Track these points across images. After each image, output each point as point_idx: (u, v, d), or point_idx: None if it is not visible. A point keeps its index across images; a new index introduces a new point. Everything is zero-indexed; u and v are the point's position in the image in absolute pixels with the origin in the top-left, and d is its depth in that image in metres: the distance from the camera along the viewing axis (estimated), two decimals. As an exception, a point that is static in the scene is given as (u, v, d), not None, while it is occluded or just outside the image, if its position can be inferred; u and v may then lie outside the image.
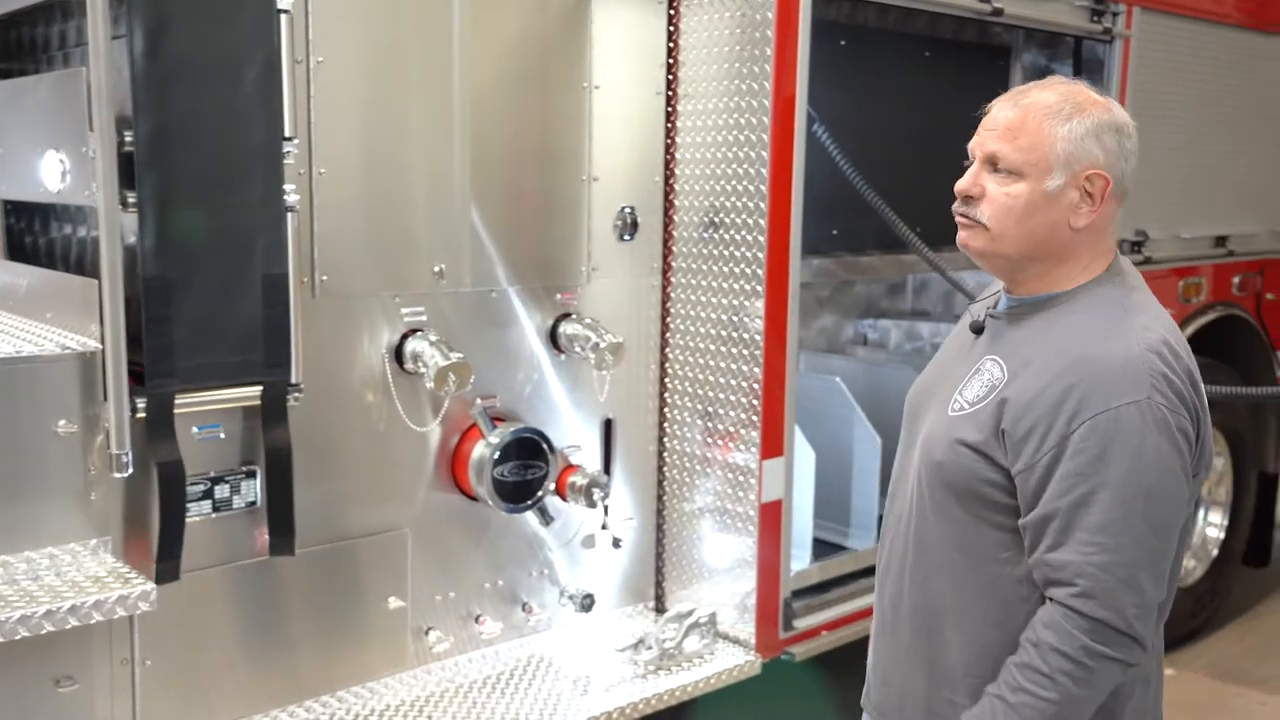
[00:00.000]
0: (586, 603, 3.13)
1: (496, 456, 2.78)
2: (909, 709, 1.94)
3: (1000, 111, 1.80)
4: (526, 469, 2.85)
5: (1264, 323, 4.97)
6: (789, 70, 2.98)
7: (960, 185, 1.83)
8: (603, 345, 2.93)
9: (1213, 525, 5.07)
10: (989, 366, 1.82)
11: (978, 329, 1.90)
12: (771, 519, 3.16)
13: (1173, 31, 4.22)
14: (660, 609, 3.34)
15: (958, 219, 1.85)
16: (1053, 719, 1.70)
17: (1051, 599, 1.72)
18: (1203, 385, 1.78)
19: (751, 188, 3.04)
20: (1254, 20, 4.66)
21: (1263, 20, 4.71)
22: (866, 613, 3.47)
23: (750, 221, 3.06)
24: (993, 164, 1.79)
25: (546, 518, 2.93)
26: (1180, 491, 1.72)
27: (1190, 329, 4.54)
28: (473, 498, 2.86)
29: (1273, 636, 5.06)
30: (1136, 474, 1.67)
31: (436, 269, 2.76)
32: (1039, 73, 4.34)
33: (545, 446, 2.87)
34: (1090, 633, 1.68)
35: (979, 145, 1.82)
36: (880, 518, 3.65)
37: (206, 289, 2.32)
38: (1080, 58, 4.09)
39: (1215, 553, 5.03)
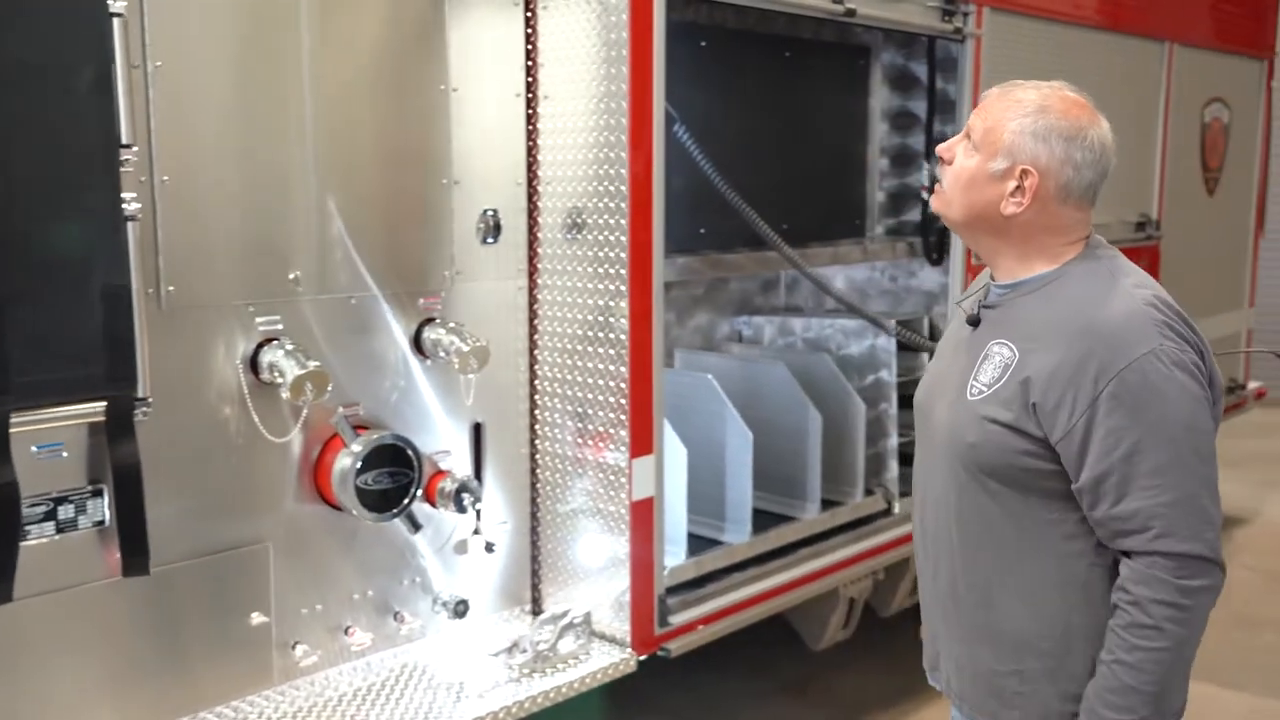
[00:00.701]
0: (460, 609, 3.11)
1: (359, 465, 2.74)
2: (978, 685, 2.05)
3: (988, 95, 1.99)
4: (391, 477, 2.81)
5: (1119, 309, 5.19)
6: (645, 71, 3.01)
7: (940, 146, 2.04)
8: (466, 349, 2.91)
9: (1078, 505, 5.27)
10: (997, 349, 1.95)
11: (974, 321, 2.03)
12: (643, 517, 3.18)
13: (1024, 31, 4.38)
14: (537, 612, 3.33)
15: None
16: (1172, 664, 1.83)
17: (1129, 552, 1.84)
18: (1198, 325, 1.94)
19: (612, 188, 3.06)
20: (1108, 21, 4.87)
21: (1117, 21, 4.92)
22: (743, 605, 3.54)
23: (613, 222, 3.08)
24: (969, 136, 1.98)
25: (414, 525, 2.90)
26: (1208, 420, 1.86)
27: (1049, 317, 4.72)
28: (337, 508, 2.82)
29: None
30: (1171, 414, 1.81)
31: (292, 276, 2.71)
32: (898, 71, 4.47)
33: (410, 453, 2.84)
34: (1179, 570, 1.80)
35: (968, 123, 2.01)
36: (755, 511, 3.78)
37: (40, 303, 2.23)
38: (934, 57, 4.22)
39: (1081, 532, 5.23)
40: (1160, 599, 1.81)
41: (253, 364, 2.65)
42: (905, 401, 4.33)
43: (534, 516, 3.35)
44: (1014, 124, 1.91)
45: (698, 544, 3.67)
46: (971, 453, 1.93)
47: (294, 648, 2.80)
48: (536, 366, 3.30)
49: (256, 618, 2.72)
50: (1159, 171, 5.36)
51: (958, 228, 2.05)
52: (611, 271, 3.10)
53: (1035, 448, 1.87)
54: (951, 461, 1.98)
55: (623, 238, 3.06)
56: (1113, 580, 1.88)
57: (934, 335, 4.35)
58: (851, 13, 3.57)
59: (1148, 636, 1.82)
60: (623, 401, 3.12)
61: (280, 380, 2.61)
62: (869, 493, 4.20)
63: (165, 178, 2.47)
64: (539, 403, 3.31)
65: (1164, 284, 5.78)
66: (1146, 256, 5.36)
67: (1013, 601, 1.96)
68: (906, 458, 4.35)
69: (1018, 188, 1.91)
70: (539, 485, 3.34)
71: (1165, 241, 5.46)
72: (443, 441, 3.10)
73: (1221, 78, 5.83)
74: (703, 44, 3.70)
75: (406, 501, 2.85)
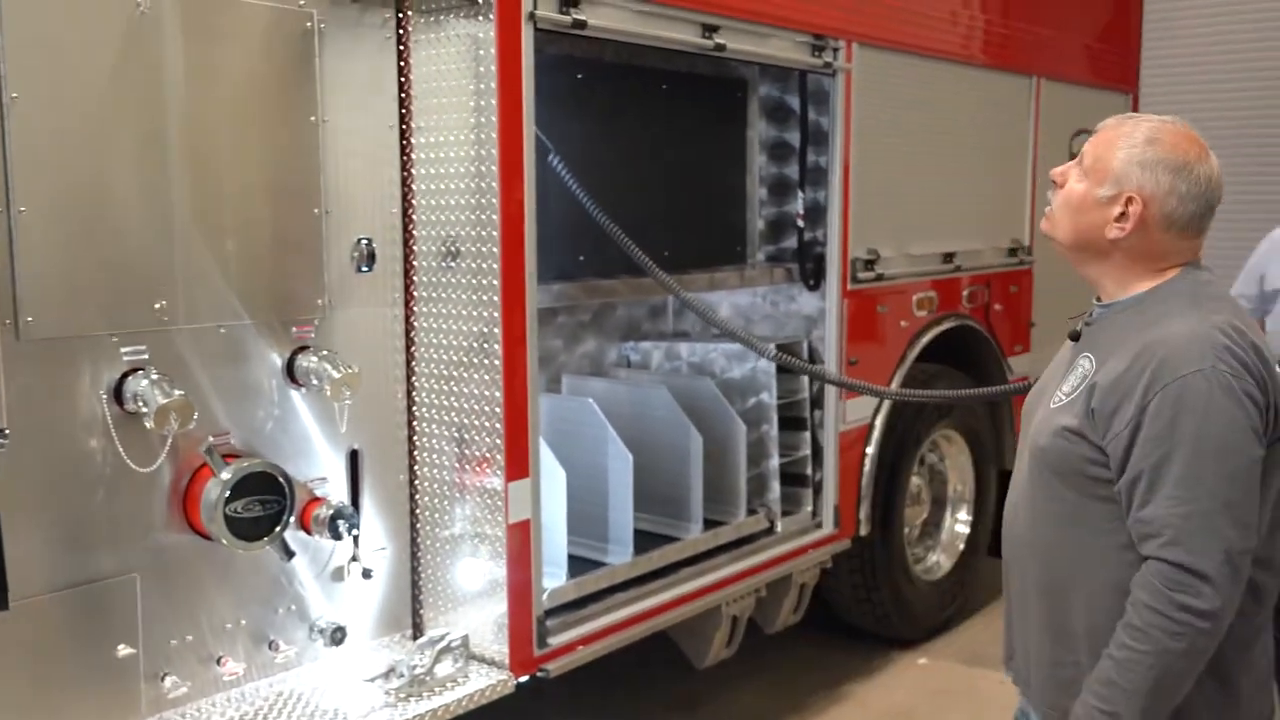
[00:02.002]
0: (337, 636, 3.11)
1: (228, 494, 2.75)
2: (1043, 675, 2.17)
3: (1104, 126, 2.13)
4: (262, 504, 2.82)
5: (994, 332, 5.41)
6: (514, 104, 3.08)
7: (1053, 171, 2.16)
8: (337, 377, 2.94)
9: (959, 521, 5.46)
10: (1081, 362, 2.10)
11: (1075, 336, 2.19)
12: (520, 539, 3.23)
13: (894, 65, 4.57)
14: (419, 636, 3.35)
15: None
16: (1150, 670, 1.91)
17: (1145, 556, 1.95)
18: (1275, 363, 2.02)
19: (485, 218, 3.12)
20: (976, 56, 5.09)
21: (985, 57, 5.15)
22: (623, 625, 3.61)
23: (486, 250, 3.14)
24: (1080, 163, 2.11)
25: (287, 553, 2.91)
26: (1250, 448, 1.93)
27: (925, 339, 4.90)
28: (207, 537, 2.82)
29: (1016, 620, 5.47)
30: (1206, 432, 1.90)
31: (157, 306, 2.71)
32: (775, 103, 4.62)
33: (281, 480, 2.85)
34: (1175, 581, 1.89)
35: (1082, 152, 2.13)
36: (639, 532, 3.86)
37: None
38: (806, 90, 4.37)
39: (962, 547, 5.42)
40: (1151, 605, 1.91)
41: (117, 394, 2.65)
42: (786, 423, 4.46)
43: (414, 541, 3.38)
44: (1123, 153, 2.04)
45: (580, 565, 3.73)
46: (1043, 456, 2.10)
47: (163, 679, 2.78)
48: (415, 393, 3.34)
49: (123, 649, 2.70)
50: (1029, 200, 5.59)
51: (1064, 250, 2.17)
52: (486, 299, 3.16)
53: (1095, 454, 2.01)
54: (1033, 465, 2.14)
55: (495, 265, 3.12)
56: None
57: (813, 358, 4.48)
58: (721, 48, 3.70)
59: (1135, 638, 1.93)
60: (498, 426, 3.17)
61: (144, 410, 2.61)
62: (752, 512, 4.30)
63: (23, 208, 2.46)
64: (418, 428, 3.35)
65: (1038, 307, 6.00)
66: (1020, 281, 5.60)
67: (1077, 599, 2.08)
68: (789, 477, 4.48)
69: (1122, 214, 2.04)
70: (419, 510, 3.37)
71: (1038, 266, 5.70)
72: (320, 469, 3.11)
73: (1088, 110, 6.09)
74: (579, 77, 3.79)
75: (278, 530, 2.86)
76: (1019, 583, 2.25)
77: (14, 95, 2.43)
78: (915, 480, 5.13)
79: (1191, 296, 2.05)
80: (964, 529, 5.45)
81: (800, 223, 4.46)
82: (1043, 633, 2.17)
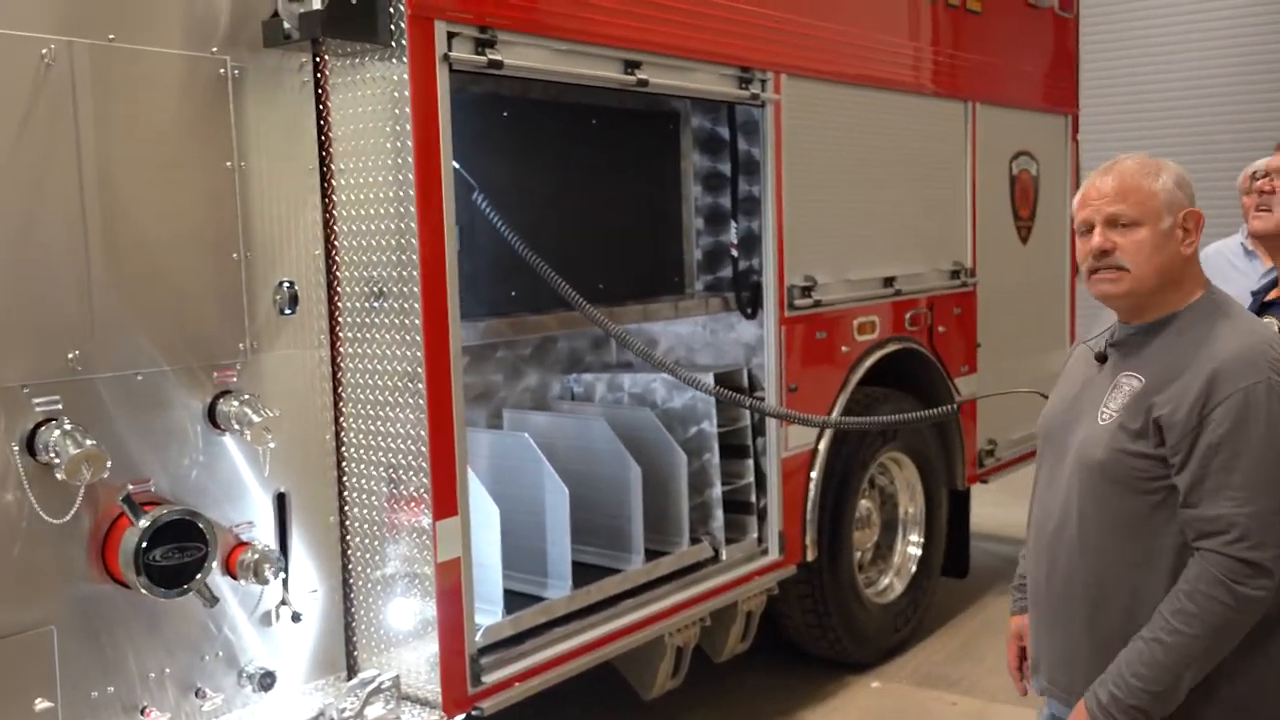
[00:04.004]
0: (266, 681, 3.09)
1: (146, 542, 2.74)
2: (1084, 678, 2.28)
3: (1102, 184, 2.30)
4: (182, 551, 2.81)
5: (939, 353, 5.45)
6: (431, 145, 3.11)
7: (1095, 244, 2.29)
8: (257, 421, 2.94)
9: (911, 543, 5.48)
10: (1125, 381, 2.27)
11: (1102, 358, 2.37)
12: (450, 577, 3.22)
13: (825, 95, 4.62)
14: (353, 678, 3.34)
15: (1096, 275, 2.30)
16: (1203, 653, 2.12)
17: (1201, 549, 2.13)
18: None
19: (406, 258, 3.14)
20: (907, 84, 5.16)
21: (917, 84, 5.22)
22: (563, 659, 3.60)
23: (408, 290, 3.15)
24: (1113, 222, 2.27)
25: (208, 599, 2.90)
26: None
27: (869, 362, 4.94)
28: (127, 586, 2.80)
29: (970, 640, 5.50)
30: (1267, 438, 2.12)
31: (70, 356, 2.71)
32: (707, 134, 4.67)
33: (200, 527, 2.85)
34: (1241, 574, 2.09)
35: (1096, 212, 2.29)
36: (580, 565, 3.86)
37: None
38: (734, 121, 4.42)
39: (914, 569, 5.44)
40: (1212, 594, 2.10)
41: (29, 445, 2.64)
42: (729, 451, 4.47)
43: (346, 583, 3.37)
44: (1157, 185, 2.26)
45: (519, 601, 3.72)
46: (1100, 469, 2.25)
47: (84, 732, 2.76)
48: (344, 434, 3.34)
49: (40, 703, 2.68)
50: (970, 222, 5.66)
51: (1145, 294, 2.28)
52: (410, 338, 3.17)
53: (1154, 466, 2.19)
54: (1082, 477, 2.29)
55: (417, 305, 3.13)
56: None
57: (753, 386, 4.51)
58: (645, 83, 3.74)
59: (1189, 623, 2.11)
60: (424, 465, 3.18)
61: (57, 461, 2.61)
62: (696, 541, 4.31)
63: (-72, 262, 2.46)
64: (348, 469, 3.35)
65: (984, 328, 6.04)
66: (964, 303, 5.65)
67: (1127, 601, 2.24)
68: (733, 505, 4.49)
69: (1186, 231, 2.27)
70: (351, 551, 3.37)
71: (981, 287, 5.76)
72: (246, 513, 3.10)
73: (1027, 132, 6.21)
74: (505, 114, 3.83)
75: (199, 576, 2.85)
76: (1050, 588, 2.38)
77: (-85, 150, 2.44)
78: (865, 504, 5.15)
79: (1225, 314, 2.27)
80: (916, 550, 5.47)
81: (734, 252, 4.50)
82: (1089, 637, 2.30)
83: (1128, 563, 2.24)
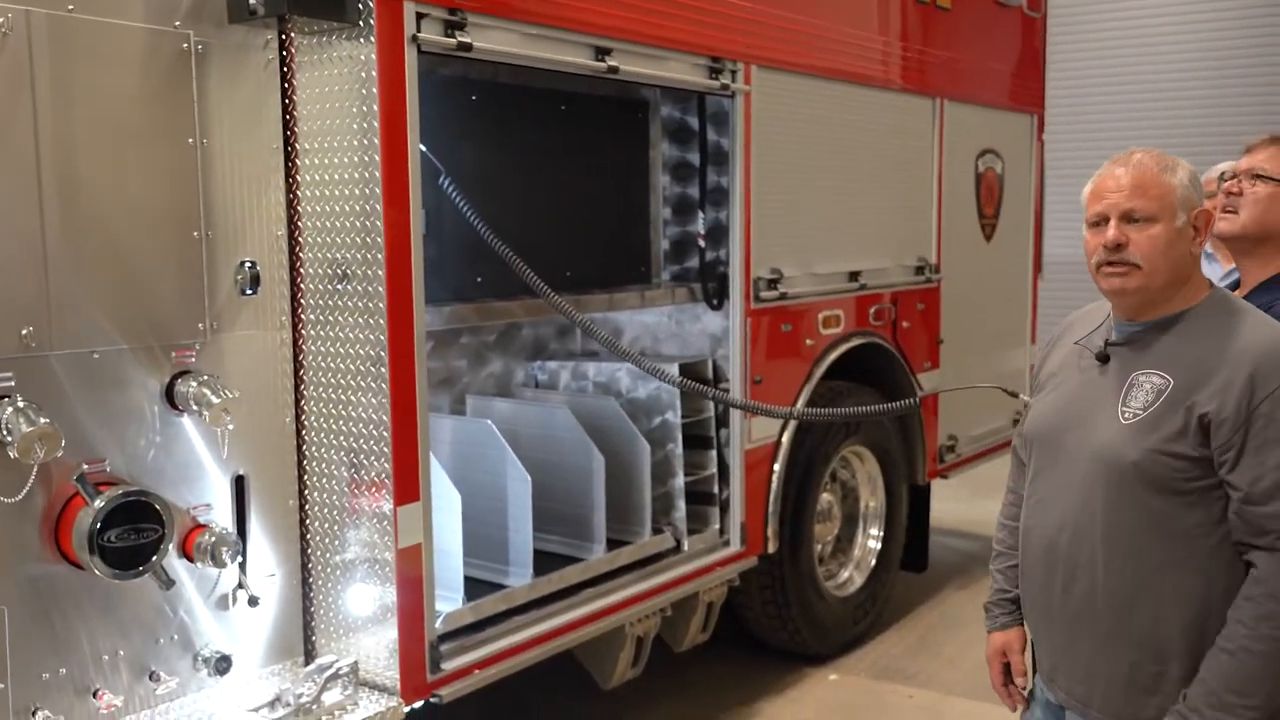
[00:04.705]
0: (222, 665, 3.06)
1: (100, 523, 2.69)
2: (1112, 690, 2.24)
3: (1120, 177, 2.24)
4: (138, 533, 2.77)
5: (902, 348, 5.49)
6: (398, 126, 3.08)
7: (1109, 238, 2.23)
8: (216, 402, 2.90)
9: (871, 537, 5.51)
10: (1145, 379, 2.21)
11: (1104, 358, 2.30)
12: (411, 564, 3.20)
13: (793, 86, 4.63)
14: (311, 664, 3.31)
15: (1107, 270, 2.24)
16: None
17: (1260, 548, 2.08)
18: None
19: (370, 240, 3.11)
20: (876, 78, 5.18)
21: (885, 79, 5.24)
22: (522, 648, 3.59)
23: (372, 273, 3.12)
24: (1128, 217, 2.22)
25: (164, 581, 2.86)
26: None
27: (833, 355, 4.96)
28: (81, 567, 2.76)
29: (927, 634, 5.55)
30: None
31: (25, 332, 2.66)
32: (677, 124, 4.66)
33: (157, 508, 2.80)
34: None
35: (1112, 207, 2.23)
36: (541, 553, 3.85)
37: None
38: (704, 111, 4.42)
39: (874, 562, 5.47)
40: None
41: (-19, 422, 2.59)
42: (692, 441, 4.48)
43: (305, 567, 3.33)
44: (1174, 181, 2.22)
45: (480, 588, 3.71)
46: (1134, 470, 2.17)
47: (34, 714, 2.71)
48: (304, 417, 3.30)
49: (-11, 684, 2.63)
50: (935, 218, 5.70)
51: (1156, 291, 2.23)
52: (373, 322, 3.14)
53: (1192, 466, 2.13)
54: (1104, 481, 2.21)
55: (381, 289, 3.10)
56: None
57: (718, 377, 4.52)
58: (615, 70, 3.72)
59: (1275, 628, 2.04)
60: (386, 450, 3.15)
61: (9, 439, 2.56)
62: (658, 531, 4.31)
63: (-121, 234, 2.41)
64: (308, 453, 3.31)
65: (946, 323, 6.09)
66: (927, 298, 5.69)
67: (1157, 606, 2.18)
68: (695, 496, 4.50)
69: (1196, 230, 2.24)
70: (310, 535, 3.33)
71: (945, 283, 5.80)
72: (204, 495, 3.06)
73: (993, 131, 6.26)
74: (474, 98, 3.80)
75: (154, 559, 2.81)
76: (1067, 598, 2.30)
77: None
78: (826, 497, 5.18)
79: (1240, 309, 2.25)
80: (875, 544, 5.51)
81: (702, 242, 4.50)
82: (1113, 643, 2.24)
83: (1157, 567, 2.17)
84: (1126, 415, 2.21)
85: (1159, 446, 2.15)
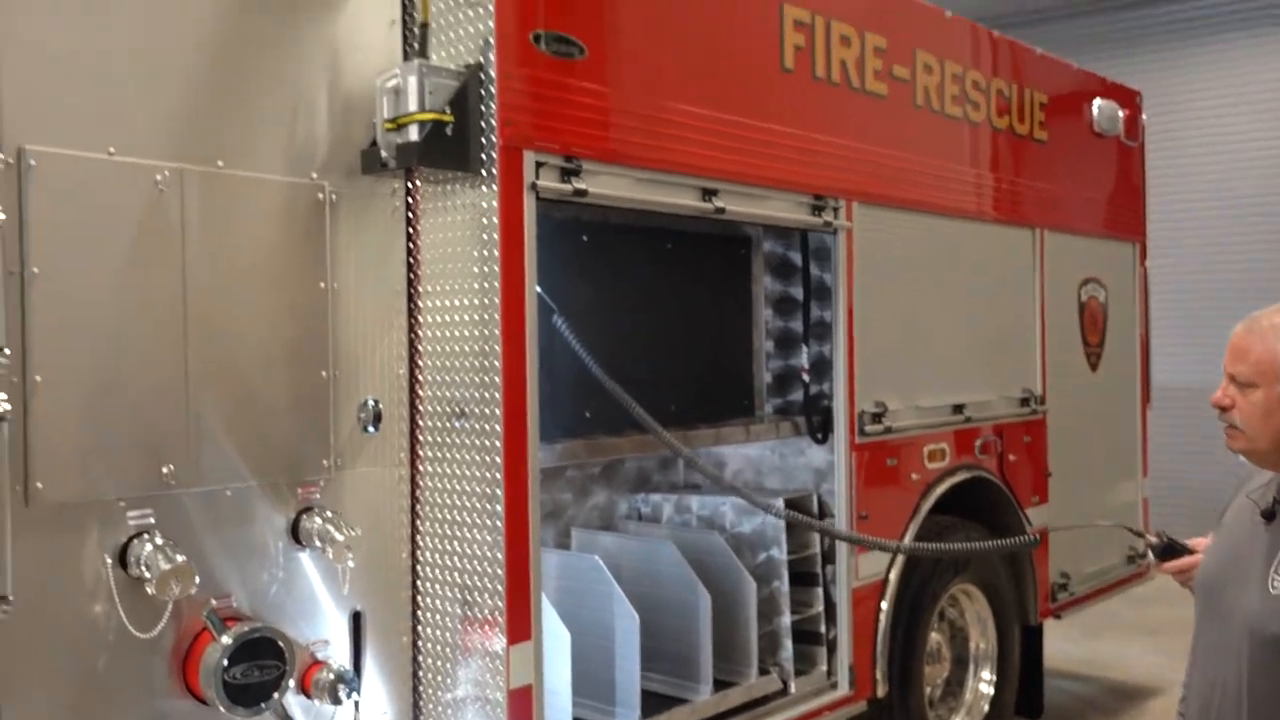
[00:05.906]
0: (335, 805, 3.05)
1: (227, 660, 2.74)
2: None
3: (1234, 338, 2.29)
4: (261, 669, 2.81)
5: (1009, 482, 5.37)
6: (516, 269, 3.18)
7: (1214, 399, 2.31)
8: (340, 539, 2.96)
9: (982, 680, 5.30)
10: None
11: (1269, 514, 2.26)
12: (521, 704, 3.17)
13: (894, 221, 4.67)
14: (420, 805, 3.27)
15: (1224, 427, 2.30)
16: None
17: None
18: None
19: (488, 379, 3.19)
20: (976, 211, 5.22)
21: (984, 211, 5.28)
22: (631, 792, 3.50)
23: (489, 411, 3.19)
24: (1235, 380, 2.26)
25: (283, 718, 2.88)
26: None
27: (939, 490, 4.87)
28: (205, 702, 2.79)
29: (1047, 783, 5.26)
30: None
31: (165, 470, 2.77)
32: (779, 259, 4.73)
33: (280, 645, 2.84)
34: None
35: (1225, 365, 2.29)
36: (646, 693, 3.78)
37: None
38: (807, 247, 4.48)
39: (986, 708, 5.25)
40: None
41: (122, 559, 2.68)
42: (798, 578, 4.40)
43: (416, 705, 3.33)
44: (1277, 348, 2.21)
45: (587, 729, 3.65)
46: (1276, 644, 2.14)
47: None
48: (419, 552, 3.34)
49: (113, 821, 2.66)
50: (1040, 349, 5.63)
51: (1265, 455, 2.25)
52: (489, 459, 3.19)
53: None
54: (1251, 646, 2.19)
55: (498, 426, 3.16)
56: None
57: (823, 512, 4.46)
58: (721, 211, 3.82)
59: None
60: (500, 588, 3.16)
61: (148, 575, 2.64)
62: (764, 672, 4.22)
63: (38, 378, 2.55)
64: (422, 589, 3.34)
65: (1053, 455, 5.93)
66: (1033, 431, 5.58)
67: None
68: (802, 635, 4.40)
69: None
70: (422, 673, 3.33)
71: (1051, 415, 5.69)
72: (322, 630, 3.10)
73: (1095, 259, 6.21)
74: (585, 238, 3.92)
75: (276, 696, 2.84)
76: None
77: (35, 270, 2.54)
78: (935, 637, 5.01)
79: None
80: (988, 689, 5.29)
81: (806, 376, 4.51)
82: None
83: None
84: (1276, 585, 2.16)
85: None
